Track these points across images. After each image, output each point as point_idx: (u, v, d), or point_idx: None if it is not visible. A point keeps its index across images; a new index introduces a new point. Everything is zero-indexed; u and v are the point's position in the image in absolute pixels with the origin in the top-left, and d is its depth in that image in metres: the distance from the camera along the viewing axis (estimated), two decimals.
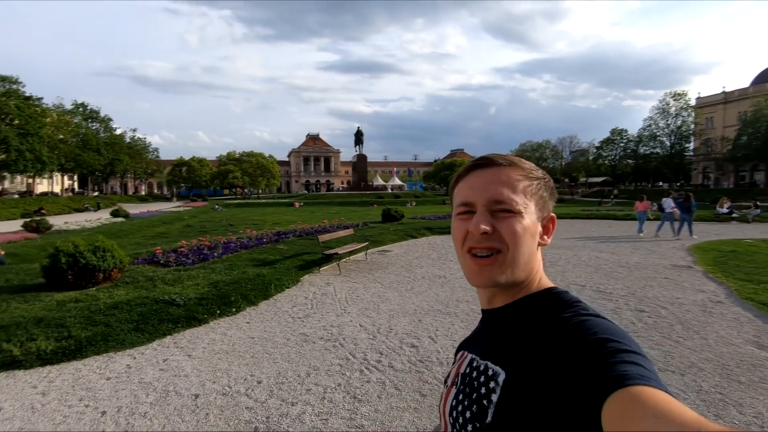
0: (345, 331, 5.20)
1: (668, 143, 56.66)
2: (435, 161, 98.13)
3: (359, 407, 3.36)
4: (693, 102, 57.36)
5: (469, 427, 0.65)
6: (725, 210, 21.38)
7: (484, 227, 0.67)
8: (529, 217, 0.69)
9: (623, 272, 8.47)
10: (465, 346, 0.83)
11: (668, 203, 14.75)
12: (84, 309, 5.48)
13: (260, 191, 73.16)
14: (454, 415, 0.70)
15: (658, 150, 58.31)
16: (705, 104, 58.30)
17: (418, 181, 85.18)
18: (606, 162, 66.60)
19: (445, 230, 15.41)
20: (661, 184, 66.71)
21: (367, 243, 10.89)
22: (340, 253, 9.17)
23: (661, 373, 3.87)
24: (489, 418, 0.63)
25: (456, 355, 0.84)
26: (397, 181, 72.85)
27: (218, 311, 5.82)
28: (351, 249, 9.78)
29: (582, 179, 79.25)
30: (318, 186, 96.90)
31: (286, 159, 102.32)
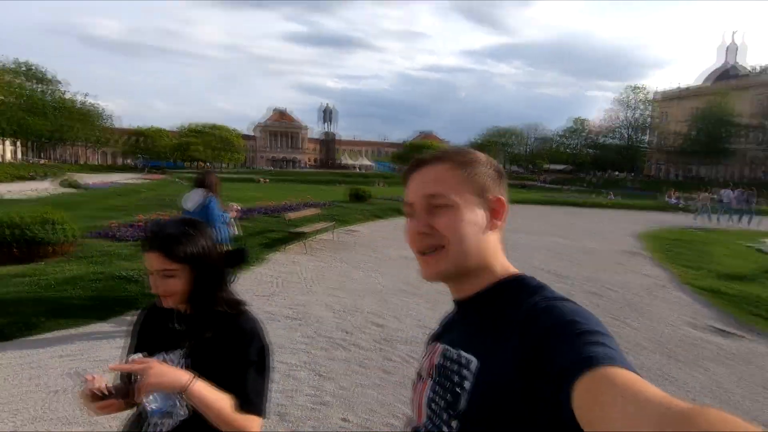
0: (311, 310, 5.20)
1: (626, 135, 59.43)
2: (404, 142, 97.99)
3: (324, 384, 3.41)
4: (651, 96, 60.10)
5: (444, 416, 0.67)
6: (674, 201, 23.15)
7: (419, 229, 0.71)
8: (467, 206, 0.71)
9: (580, 257, 8.91)
10: (436, 337, 0.83)
11: (727, 194, 18.45)
12: (32, 284, 5.18)
13: (223, 166, 70.69)
14: (432, 406, 0.70)
15: (616, 141, 61.08)
16: (662, 98, 61.16)
17: (387, 162, 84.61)
18: (568, 150, 68.98)
19: None
20: (617, 173, 70.06)
21: (333, 222, 10.83)
22: (306, 231, 9.09)
23: None
24: (463, 405, 0.64)
25: (427, 347, 0.84)
26: (366, 161, 72.55)
27: None
28: (318, 228, 9.71)
29: (545, 166, 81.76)
30: (285, 162, 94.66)
31: (251, 133, 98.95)
